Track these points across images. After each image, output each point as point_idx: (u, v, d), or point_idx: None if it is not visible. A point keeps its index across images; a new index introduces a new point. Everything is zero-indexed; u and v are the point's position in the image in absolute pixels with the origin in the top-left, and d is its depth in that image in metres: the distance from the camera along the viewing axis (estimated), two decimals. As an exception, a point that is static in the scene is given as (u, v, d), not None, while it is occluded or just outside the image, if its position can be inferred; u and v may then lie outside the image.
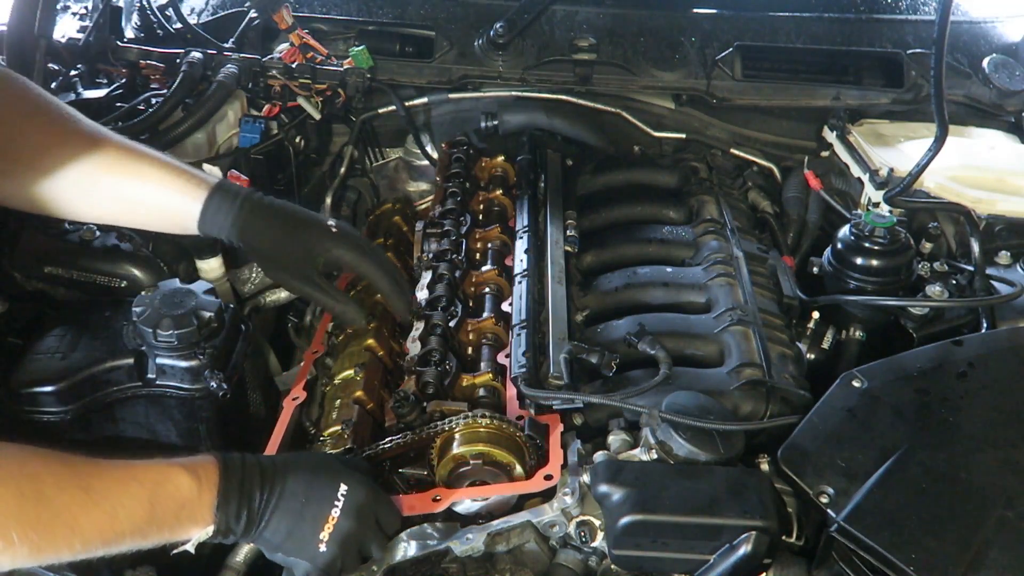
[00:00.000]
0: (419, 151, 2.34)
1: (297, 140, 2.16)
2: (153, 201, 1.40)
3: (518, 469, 1.39)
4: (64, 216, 1.44)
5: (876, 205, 1.99)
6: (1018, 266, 1.83)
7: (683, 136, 2.28)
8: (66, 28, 2.09)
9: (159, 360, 1.55)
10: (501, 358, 1.60)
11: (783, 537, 1.28)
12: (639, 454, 1.37)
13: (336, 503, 1.18)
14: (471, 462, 1.38)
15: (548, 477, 1.35)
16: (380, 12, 2.35)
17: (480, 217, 2.03)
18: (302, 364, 1.77)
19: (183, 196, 1.39)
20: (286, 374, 2.10)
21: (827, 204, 2.13)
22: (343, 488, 1.19)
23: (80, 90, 2.06)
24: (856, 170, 2.11)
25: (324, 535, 1.17)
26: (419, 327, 1.65)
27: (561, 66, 2.23)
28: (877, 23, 2.35)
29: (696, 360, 1.60)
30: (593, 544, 1.35)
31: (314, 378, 2.09)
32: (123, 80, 2.08)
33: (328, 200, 2.24)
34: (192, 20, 2.27)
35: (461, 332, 1.66)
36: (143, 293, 1.59)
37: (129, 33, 2.23)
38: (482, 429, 1.40)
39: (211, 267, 1.87)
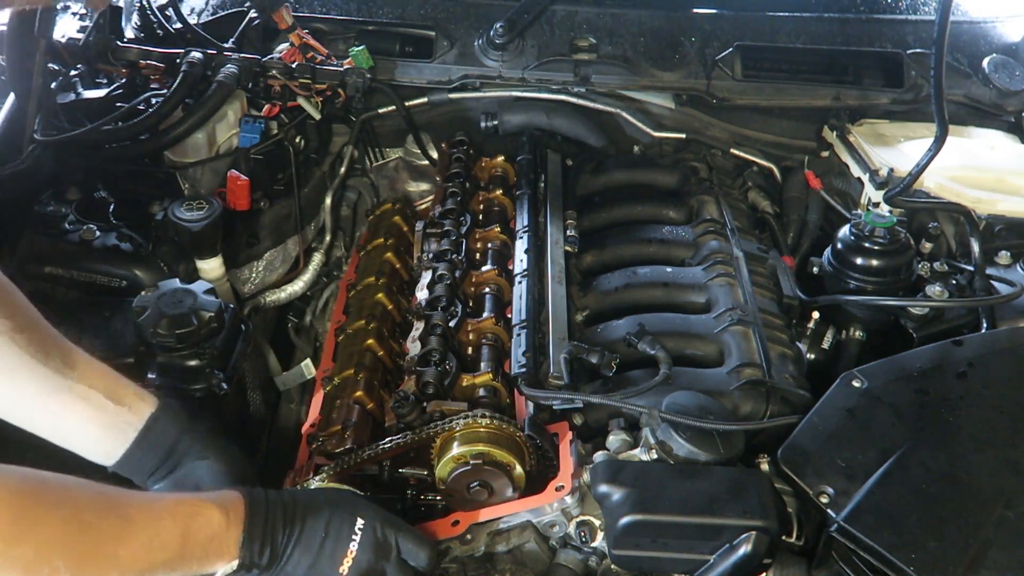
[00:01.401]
0: (419, 151, 2.34)
1: (297, 140, 2.16)
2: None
3: (518, 469, 1.39)
4: None
5: (876, 205, 1.99)
6: (1018, 266, 1.83)
7: (683, 136, 2.28)
8: (66, 28, 2.09)
9: (159, 360, 1.55)
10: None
11: (783, 537, 1.28)
12: (639, 454, 1.37)
13: (354, 537, 1.20)
14: (471, 462, 1.38)
15: (560, 488, 1.35)
16: (380, 12, 2.35)
17: (480, 217, 2.03)
18: (314, 382, 1.76)
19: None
20: (286, 374, 2.11)
21: (827, 204, 2.13)
22: (360, 523, 1.22)
23: (80, 90, 2.06)
24: (856, 170, 2.11)
25: (344, 569, 1.19)
26: (419, 327, 1.65)
27: (561, 66, 2.23)
28: (877, 23, 2.35)
29: (696, 360, 1.60)
30: (593, 544, 1.35)
31: (313, 379, 2.09)
32: (123, 80, 2.08)
33: (328, 200, 2.24)
34: (192, 20, 2.27)
35: (461, 332, 1.66)
36: (143, 293, 1.59)
37: (129, 33, 2.23)
38: (482, 429, 1.40)
39: (211, 267, 1.88)
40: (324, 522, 1.20)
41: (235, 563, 1.13)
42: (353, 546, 1.19)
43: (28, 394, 1.23)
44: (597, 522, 1.34)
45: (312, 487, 1.38)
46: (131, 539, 1.03)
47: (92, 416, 1.26)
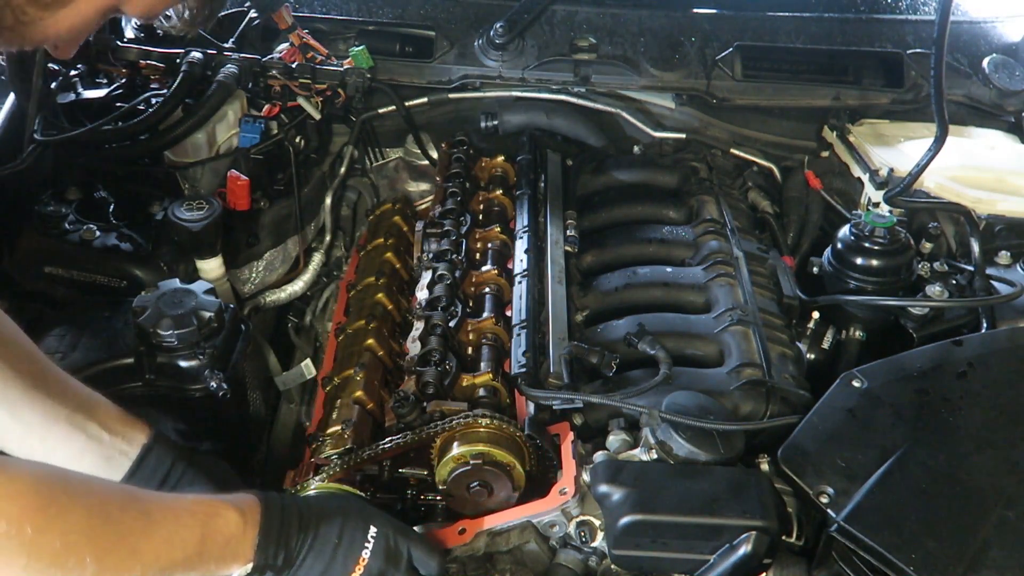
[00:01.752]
0: (419, 151, 2.34)
1: (297, 140, 2.16)
2: None
3: (518, 469, 1.39)
4: None
5: (876, 205, 1.99)
6: (1018, 266, 1.83)
7: (683, 136, 2.28)
8: (66, 28, 2.09)
9: (159, 360, 1.55)
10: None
11: (783, 537, 1.28)
12: (639, 454, 1.36)
13: (366, 544, 1.21)
14: (471, 462, 1.38)
15: (563, 492, 1.35)
16: (380, 12, 2.35)
17: (480, 217, 2.03)
18: (315, 382, 1.75)
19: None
20: (286, 374, 2.11)
21: (827, 204, 2.13)
22: (372, 530, 1.22)
23: (80, 90, 2.06)
24: (856, 170, 2.11)
25: (355, 575, 1.20)
26: (419, 327, 1.65)
27: (561, 66, 2.24)
28: (877, 23, 2.35)
29: (696, 360, 1.60)
30: (593, 544, 1.35)
31: (313, 379, 2.09)
32: (123, 80, 2.09)
33: (328, 200, 2.24)
34: (192, 20, 2.26)
35: (461, 332, 1.66)
36: (143, 293, 1.59)
37: (129, 33, 2.23)
38: (482, 429, 1.40)
39: (211, 267, 1.88)
40: (337, 529, 1.20)
41: (250, 565, 1.13)
42: (365, 553, 1.20)
43: (28, 425, 1.22)
44: (597, 522, 1.34)
45: (312, 487, 1.38)
46: (153, 535, 1.03)
47: (88, 446, 1.26)
